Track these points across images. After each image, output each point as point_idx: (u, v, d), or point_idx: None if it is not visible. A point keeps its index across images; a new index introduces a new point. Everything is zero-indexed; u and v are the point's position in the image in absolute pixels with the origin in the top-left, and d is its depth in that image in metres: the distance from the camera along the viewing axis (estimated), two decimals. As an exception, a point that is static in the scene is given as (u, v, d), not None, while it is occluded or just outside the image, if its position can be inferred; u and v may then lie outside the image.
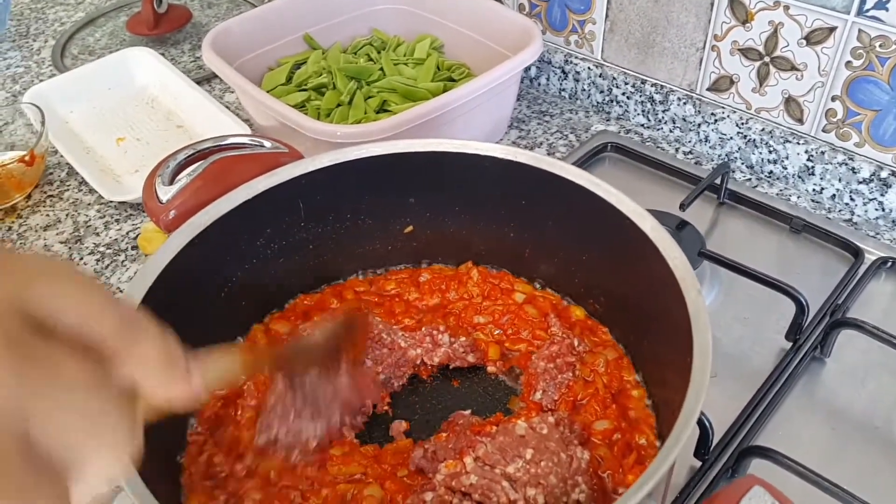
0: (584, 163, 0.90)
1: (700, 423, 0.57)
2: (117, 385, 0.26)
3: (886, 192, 0.79)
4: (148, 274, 0.50)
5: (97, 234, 0.87)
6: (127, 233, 0.87)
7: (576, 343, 0.60)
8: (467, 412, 0.56)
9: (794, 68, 0.80)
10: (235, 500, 0.50)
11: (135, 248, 0.85)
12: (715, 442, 0.60)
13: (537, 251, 0.63)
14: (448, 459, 0.50)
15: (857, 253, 0.76)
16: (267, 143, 0.59)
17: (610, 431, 0.54)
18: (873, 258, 0.76)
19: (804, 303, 0.66)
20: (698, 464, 0.59)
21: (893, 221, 0.81)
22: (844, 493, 0.53)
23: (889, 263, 0.75)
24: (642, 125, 0.97)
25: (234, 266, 0.57)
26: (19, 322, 0.23)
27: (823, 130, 0.82)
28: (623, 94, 0.97)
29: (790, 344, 0.68)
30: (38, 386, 0.22)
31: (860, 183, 0.81)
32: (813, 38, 0.78)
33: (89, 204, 0.92)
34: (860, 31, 0.74)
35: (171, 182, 0.56)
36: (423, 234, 0.65)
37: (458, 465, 0.49)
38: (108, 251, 0.85)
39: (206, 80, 1.10)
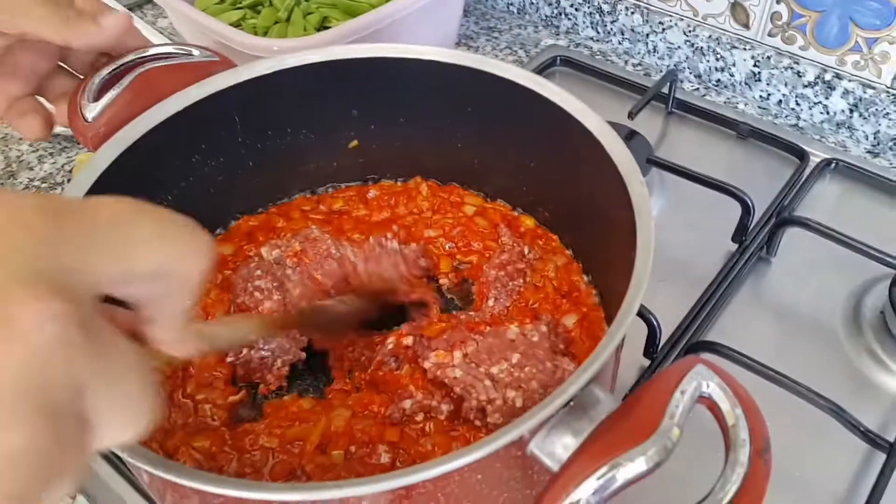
0: (533, 78, 0.88)
1: (647, 321, 0.58)
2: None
3: (830, 95, 0.80)
4: (74, 194, 0.48)
5: (31, 169, 0.83)
6: (62, 166, 0.83)
7: (526, 251, 0.60)
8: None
9: (739, -30, 0.79)
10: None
11: (70, 180, 0.81)
12: (663, 341, 0.61)
13: (486, 161, 0.62)
14: (440, 350, 0.50)
15: (802, 155, 0.76)
16: (196, 52, 0.56)
17: (580, 322, 0.54)
18: (818, 160, 0.77)
19: (749, 203, 0.67)
20: (647, 363, 0.61)
21: (838, 124, 0.81)
22: (792, 383, 0.55)
23: (833, 165, 0.77)
24: (591, 38, 0.96)
25: (170, 184, 0.55)
26: (91, 303, 0.24)
27: (769, 35, 0.81)
28: (571, 5, 0.95)
29: (736, 246, 0.69)
30: (94, 365, 0.24)
31: (805, 87, 0.81)
32: (758, -62, 0.76)
33: (20, 139, 0.87)
34: (805, -73, 0.73)
35: (97, 99, 0.53)
36: (370, 149, 0.63)
37: (447, 357, 0.50)
38: (44, 185, 0.81)
39: (137, 6, 1.04)
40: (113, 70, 0.55)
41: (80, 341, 0.23)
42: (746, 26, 0.82)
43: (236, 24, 0.88)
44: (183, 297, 0.30)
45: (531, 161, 0.58)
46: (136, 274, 0.27)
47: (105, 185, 0.49)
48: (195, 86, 0.52)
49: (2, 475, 0.21)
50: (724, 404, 0.37)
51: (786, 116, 0.84)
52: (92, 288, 0.25)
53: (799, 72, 0.80)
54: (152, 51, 0.57)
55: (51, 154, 0.85)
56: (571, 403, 0.38)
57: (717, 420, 0.37)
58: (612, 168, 0.47)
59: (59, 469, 0.23)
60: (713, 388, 0.37)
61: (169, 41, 0.92)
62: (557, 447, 0.37)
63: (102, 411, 0.24)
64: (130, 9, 0.99)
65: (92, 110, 0.53)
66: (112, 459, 0.55)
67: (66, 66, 0.58)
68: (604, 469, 0.35)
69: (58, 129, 0.83)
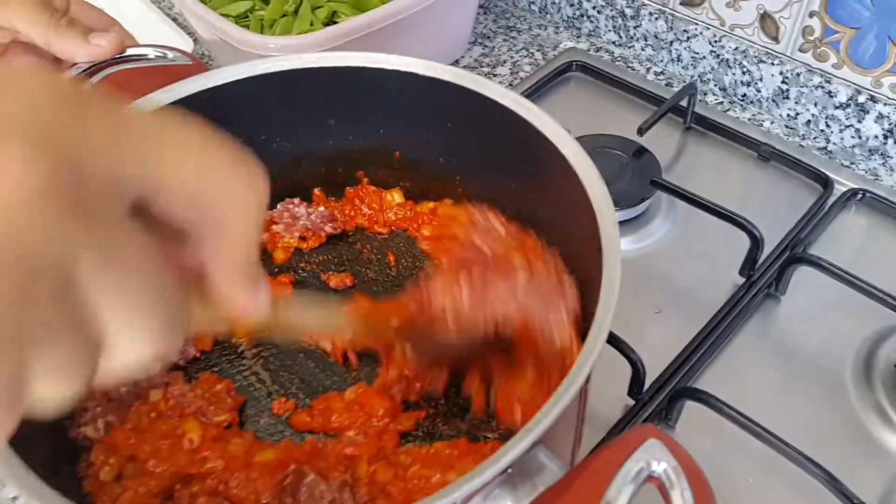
0: (548, 83, 0.84)
1: (631, 361, 0.54)
2: (180, 275, 0.25)
3: (864, 119, 0.74)
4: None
5: None
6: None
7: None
8: None
9: (771, -21, 0.73)
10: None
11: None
12: (650, 381, 0.57)
13: (466, 178, 0.58)
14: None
15: (826, 183, 0.71)
16: (170, 55, 0.54)
17: None
18: (844, 189, 0.71)
19: (758, 237, 0.62)
20: (632, 402, 0.57)
21: (870, 150, 0.75)
22: (783, 444, 0.50)
23: (860, 195, 0.71)
24: (613, 42, 0.90)
25: (133, 191, 0.52)
26: (85, 191, 0.22)
27: (800, 50, 0.75)
28: (594, 7, 0.89)
29: (744, 280, 0.64)
30: (86, 238, 0.21)
31: (837, 108, 0.75)
32: (793, -55, 0.70)
33: None
34: (844, -64, 0.67)
35: (61, 97, 0.51)
36: (347, 159, 0.60)
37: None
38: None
39: (153, -11, 1.02)
40: (85, 70, 0.53)
41: (69, 209, 0.21)
42: (776, 40, 0.76)
43: (244, 16, 0.85)
44: (237, 236, 0.27)
45: (512, 182, 0.54)
46: (168, 187, 0.24)
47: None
48: (157, 92, 0.49)
49: None
50: (674, 490, 0.33)
51: (814, 138, 0.78)
52: (113, 185, 0.23)
53: (830, 91, 0.74)
54: (129, 51, 0.55)
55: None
56: (510, 470, 0.35)
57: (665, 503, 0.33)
58: (586, 201, 0.43)
59: (35, 339, 0.20)
60: (663, 468, 0.33)
61: (180, 28, 0.90)
62: (491, 517, 0.34)
63: (101, 303, 0.22)
64: (144, -7, 0.97)
65: (57, 109, 0.51)
66: None
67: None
68: (534, 549, 0.32)
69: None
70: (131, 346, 0.23)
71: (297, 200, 0.59)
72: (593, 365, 0.37)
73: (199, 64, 0.54)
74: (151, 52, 0.54)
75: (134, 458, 0.47)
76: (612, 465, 0.34)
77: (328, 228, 0.59)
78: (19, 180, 0.20)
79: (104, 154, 0.22)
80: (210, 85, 0.51)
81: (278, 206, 0.59)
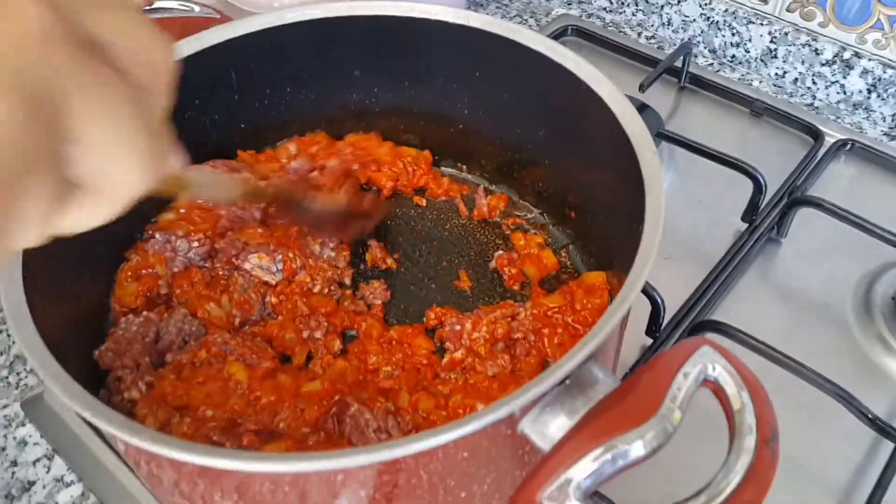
0: (543, 47, 0.86)
1: (651, 298, 0.57)
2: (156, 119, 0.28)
3: (848, 75, 0.77)
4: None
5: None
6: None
7: None
8: None
9: (761, -60, 0.76)
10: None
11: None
12: (667, 319, 0.59)
13: (491, 128, 0.59)
14: None
15: (816, 135, 0.74)
16: (197, 8, 0.54)
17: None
18: (833, 140, 0.74)
19: (762, 181, 0.65)
20: (650, 342, 0.59)
21: (854, 105, 0.79)
22: (800, 366, 0.53)
23: (849, 146, 0.74)
24: (604, 8, 0.93)
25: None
26: (79, 38, 0.24)
27: (787, 10, 0.78)
28: (584, -26, 0.92)
29: (746, 225, 0.67)
30: (82, 75, 0.24)
31: (823, 65, 0.78)
32: None
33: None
34: None
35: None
36: (372, 113, 0.61)
37: None
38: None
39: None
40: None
41: (63, 46, 0.24)
42: (765, 1, 0.79)
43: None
44: (154, 89, 0.28)
45: (540, 129, 0.56)
46: (117, 44, 0.26)
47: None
48: (188, 40, 0.50)
49: None
50: (731, 388, 0.35)
51: (801, 95, 0.81)
52: (94, 36, 0.25)
53: (817, 49, 0.78)
54: (156, 4, 0.55)
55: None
56: (567, 381, 0.37)
57: (721, 405, 0.36)
58: (623, 138, 0.45)
59: (34, 165, 0.23)
60: (719, 372, 0.36)
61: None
62: (551, 427, 0.36)
63: (91, 135, 0.24)
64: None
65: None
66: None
67: None
68: (599, 451, 0.34)
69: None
70: (121, 170, 0.26)
71: (180, 232, 0.54)
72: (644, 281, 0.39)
73: (226, 18, 0.54)
74: (177, 5, 0.54)
75: (186, 406, 0.47)
76: (668, 372, 0.36)
77: (206, 265, 0.55)
78: (30, 22, 0.23)
79: (90, 12, 0.25)
80: (239, 33, 0.52)
81: (158, 236, 0.54)
